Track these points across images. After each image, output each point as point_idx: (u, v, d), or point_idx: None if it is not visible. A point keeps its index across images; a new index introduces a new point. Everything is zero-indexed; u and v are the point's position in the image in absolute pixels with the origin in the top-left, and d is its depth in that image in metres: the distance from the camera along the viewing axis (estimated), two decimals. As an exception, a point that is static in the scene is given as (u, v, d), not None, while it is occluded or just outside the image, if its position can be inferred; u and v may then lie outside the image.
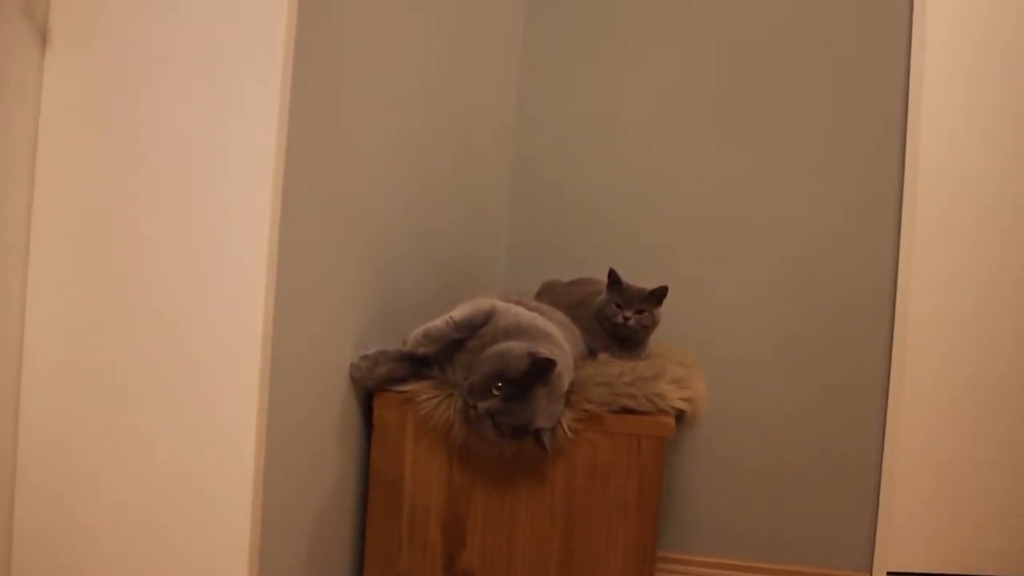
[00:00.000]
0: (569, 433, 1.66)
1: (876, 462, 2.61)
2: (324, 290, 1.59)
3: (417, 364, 1.74)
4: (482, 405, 1.58)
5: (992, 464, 2.65)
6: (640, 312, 2.02)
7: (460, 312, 1.73)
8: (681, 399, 1.77)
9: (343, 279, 1.67)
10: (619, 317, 2.01)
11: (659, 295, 2.04)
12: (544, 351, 1.61)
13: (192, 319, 1.36)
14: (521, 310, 1.79)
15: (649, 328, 2.05)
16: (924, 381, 2.64)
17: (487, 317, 1.73)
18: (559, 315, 1.94)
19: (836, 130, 2.62)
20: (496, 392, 1.57)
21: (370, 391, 1.77)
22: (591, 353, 1.99)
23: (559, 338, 1.76)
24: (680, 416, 1.79)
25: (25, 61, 1.34)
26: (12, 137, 1.33)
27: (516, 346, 1.62)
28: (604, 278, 2.09)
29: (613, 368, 1.82)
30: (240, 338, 1.36)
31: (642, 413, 1.71)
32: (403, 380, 1.74)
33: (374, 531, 1.79)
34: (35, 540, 1.42)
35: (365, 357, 1.71)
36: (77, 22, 1.36)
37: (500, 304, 1.78)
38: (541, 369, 1.58)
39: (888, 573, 2.62)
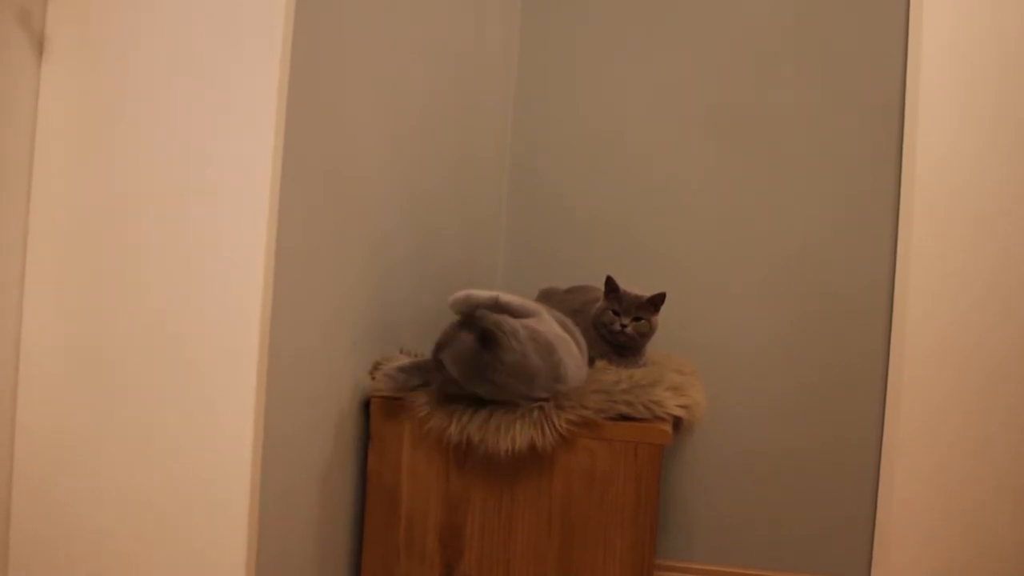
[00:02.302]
0: (562, 427, 1.67)
1: (873, 470, 2.61)
2: (321, 298, 1.59)
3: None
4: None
5: (992, 473, 2.64)
6: (637, 319, 2.02)
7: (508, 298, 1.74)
8: (678, 406, 1.77)
9: (340, 287, 1.67)
10: (616, 324, 2.01)
11: (657, 302, 2.04)
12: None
13: (189, 327, 1.36)
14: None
15: (647, 335, 2.05)
16: (922, 389, 2.63)
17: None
18: (560, 316, 1.93)
19: (833, 134, 2.62)
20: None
21: (366, 399, 1.77)
22: (589, 361, 1.98)
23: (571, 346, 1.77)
24: (677, 423, 1.79)
25: (22, 70, 1.34)
26: (9, 147, 1.34)
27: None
28: (601, 285, 2.09)
29: (610, 376, 1.82)
30: (237, 346, 1.36)
31: (639, 420, 1.71)
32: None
33: (372, 540, 1.79)
34: (32, 537, 1.42)
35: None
36: (74, 32, 1.36)
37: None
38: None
39: (887, 581, 2.62)
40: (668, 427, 1.72)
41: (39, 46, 1.36)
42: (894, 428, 2.59)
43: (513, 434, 1.62)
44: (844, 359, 2.62)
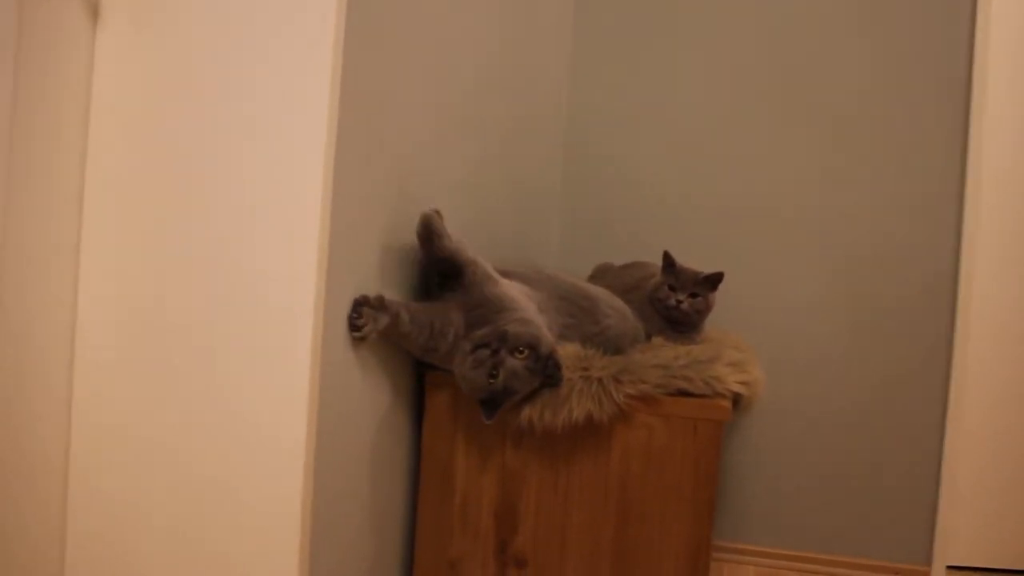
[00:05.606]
0: (620, 399, 1.64)
1: (936, 453, 2.55)
2: (374, 274, 1.57)
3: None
4: (506, 356, 1.57)
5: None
6: (694, 296, 1.98)
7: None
8: (738, 382, 1.73)
9: (394, 262, 1.66)
10: (672, 300, 1.98)
11: (714, 280, 2.00)
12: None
13: (243, 305, 1.36)
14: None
15: (703, 313, 2.02)
16: (986, 373, 2.57)
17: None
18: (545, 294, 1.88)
19: (897, 117, 2.55)
20: (520, 356, 1.57)
21: (420, 372, 1.76)
22: (646, 337, 1.95)
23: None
24: (736, 400, 1.76)
25: (77, 37, 1.34)
26: (64, 114, 1.34)
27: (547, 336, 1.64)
28: (657, 262, 2.05)
29: (669, 351, 1.79)
30: (291, 323, 1.35)
31: (699, 396, 1.68)
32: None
33: (425, 516, 1.78)
34: (87, 533, 1.43)
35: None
36: (130, -2, 1.35)
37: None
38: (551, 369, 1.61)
39: (947, 567, 2.56)
40: (728, 403, 1.68)
41: (94, 12, 1.35)
42: (957, 415, 2.52)
43: (571, 406, 1.60)
44: (908, 343, 2.56)
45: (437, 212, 1.67)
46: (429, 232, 1.64)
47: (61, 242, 1.36)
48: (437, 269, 1.68)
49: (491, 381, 1.56)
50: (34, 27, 1.26)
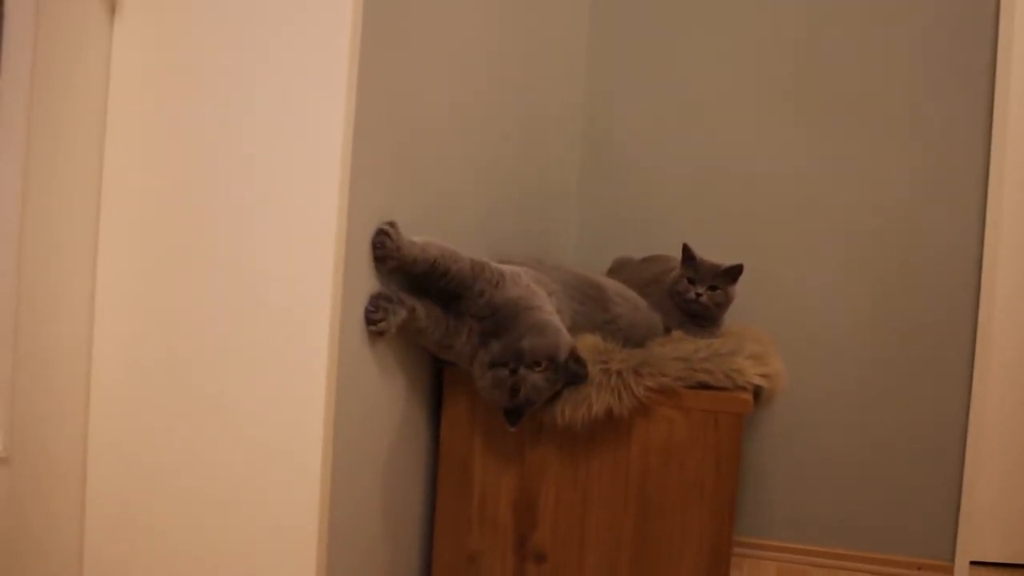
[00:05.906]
0: (640, 393, 1.63)
1: (959, 448, 2.52)
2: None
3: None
4: (525, 372, 1.54)
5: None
6: (713, 289, 1.97)
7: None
8: (759, 375, 1.72)
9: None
10: (691, 293, 1.96)
11: (734, 273, 1.98)
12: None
13: (260, 302, 1.36)
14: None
15: (722, 306, 2.00)
16: (1010, 365, 2.54)
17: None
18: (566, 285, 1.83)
19: (917, 102, 2.52)
20: (538, 368, 1.55)
21: (438, 369, 1.75)
22: (665, 330, 1.94)
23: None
24: (757, 393, 1.74)
25: (95, 31, 1.34)
26: (81, 110, 1.34)
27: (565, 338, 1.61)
28: (677, 255, 2.04)
29: (689, 344, 1.78)
30: (308, 320, 1.35)
31: (719, 389, 1.66)
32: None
33: (444, 511, 1.78)
34: (104, 536, 1.43)
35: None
36: (146, -9, 1.35)
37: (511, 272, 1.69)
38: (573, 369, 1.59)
39: (971, 563, 2.54)
40: (749, 396, 1.67)
41: (111, 7, 1.35)
42: (981, 410, 2.50)
43: (590, 401, 1.59)
44: (929, 336, 2.53)
45: (391, 224, 1.51)
46: (385, 253, 1.50)
47: (79, 241, 1.36)
48: (421, 284, 1.58)
49: (513, 397, 1.55)
50: (51, 22, 1.26)
